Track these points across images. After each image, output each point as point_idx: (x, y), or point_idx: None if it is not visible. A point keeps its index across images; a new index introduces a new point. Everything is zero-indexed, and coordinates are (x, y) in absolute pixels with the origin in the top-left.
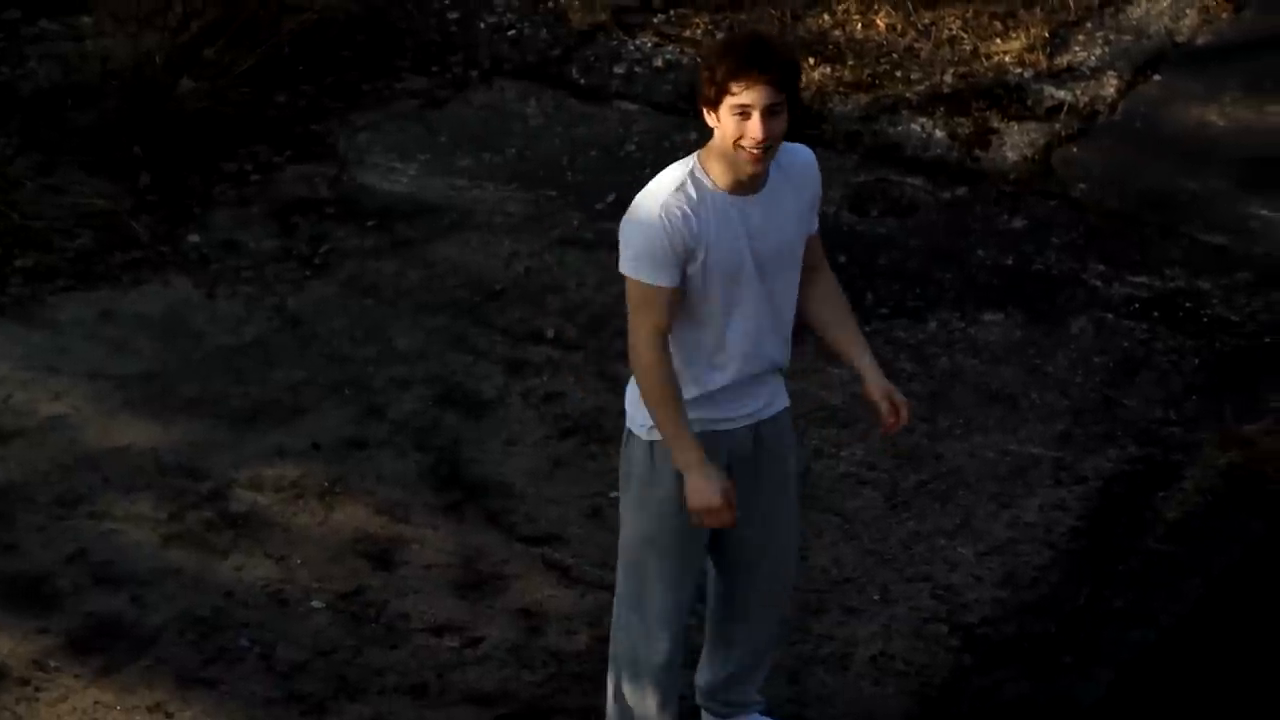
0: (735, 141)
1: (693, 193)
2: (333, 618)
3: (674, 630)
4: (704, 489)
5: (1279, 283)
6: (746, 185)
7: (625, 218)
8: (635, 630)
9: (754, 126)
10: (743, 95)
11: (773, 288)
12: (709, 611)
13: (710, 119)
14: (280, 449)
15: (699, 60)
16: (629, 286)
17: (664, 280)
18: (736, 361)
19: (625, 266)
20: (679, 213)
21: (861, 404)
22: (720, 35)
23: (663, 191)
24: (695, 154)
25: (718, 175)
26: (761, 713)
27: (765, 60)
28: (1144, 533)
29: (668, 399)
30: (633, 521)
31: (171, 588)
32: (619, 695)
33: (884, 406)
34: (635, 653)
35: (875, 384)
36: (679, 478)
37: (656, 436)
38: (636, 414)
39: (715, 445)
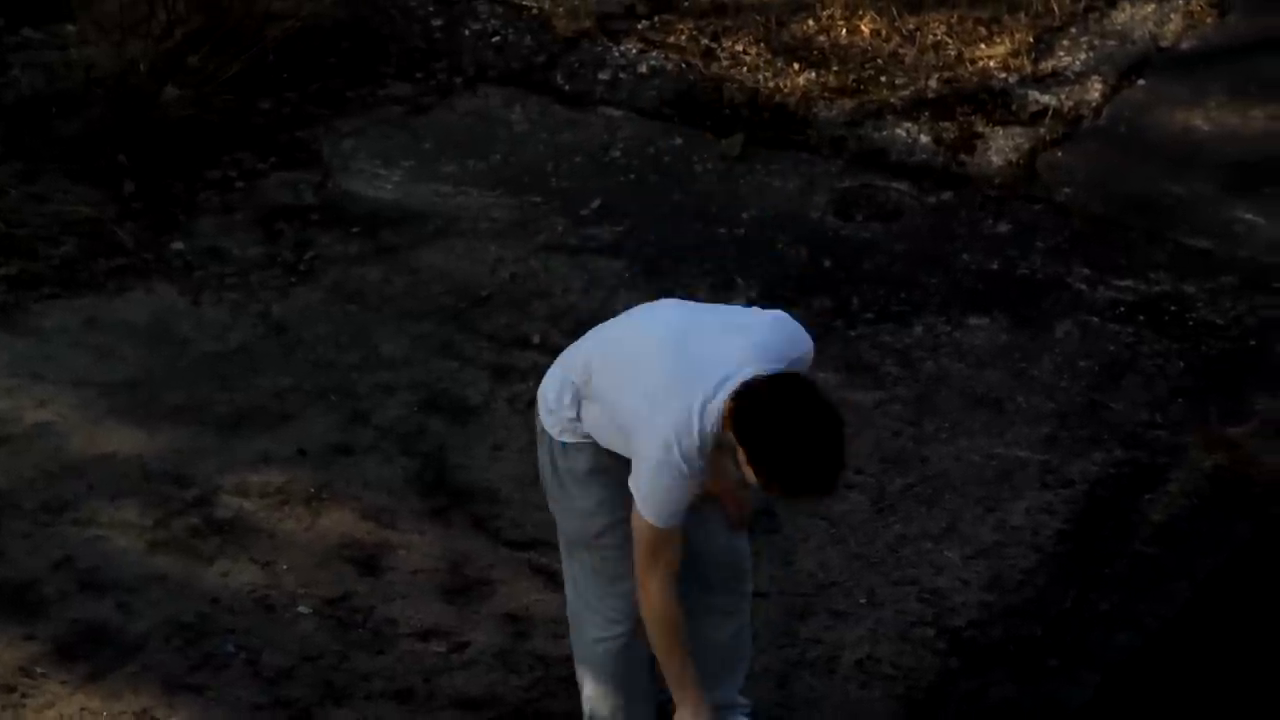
0: (726, 485)
1: (708, 452)
2: (319, 623)
3: (615, 624)
4: None
5: (1264, 286)
6: None
7: (649, 463)
8: (580, 627)
9: (746, 500)
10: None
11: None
12: None
13: (733, 440)
14: (266, 455)
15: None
16: (647, 528)
17: (679, 521)
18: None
19: (646, 511)
20: (694, 475)
21: (847, 408)
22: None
23: (686, 451)
24: (717, 411)
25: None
26: (746, 715)
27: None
28: (1130, 536)
29: (679, 653)
30: (558, 523)
31: (157, 594)
32: (587, 697)
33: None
34: (585, 652)
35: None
36: (591, 464)
37: (566, 438)
38: (551, 422)
39: None
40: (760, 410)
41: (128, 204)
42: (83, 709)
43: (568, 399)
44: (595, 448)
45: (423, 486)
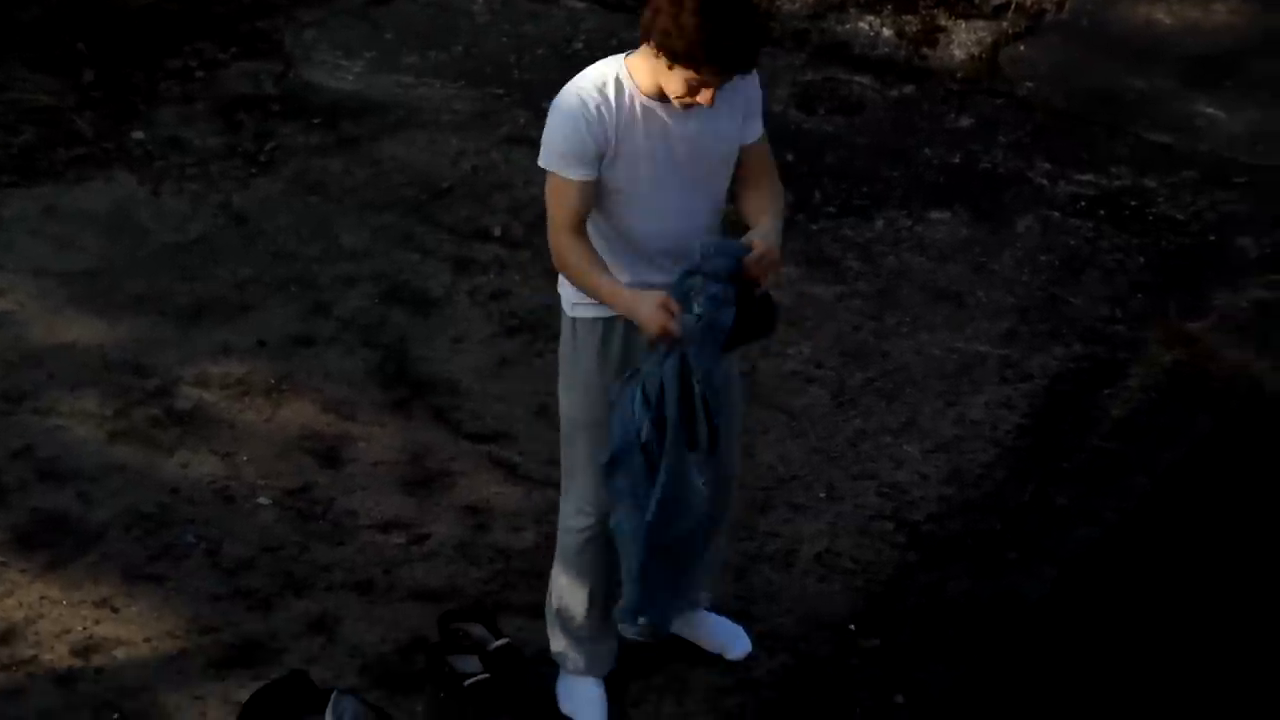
0: (678, 93)
1: (612, 93)
2: (279, 514)
3: (599, 511)
4: (646, 316)
5: (1224, 181)
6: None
7: (549, 114)
8: (566, 510)
9: (705, 96)
10: (712, 80)
11: (696, 192)
12: None
13: (655, 53)
14: (226, 346)
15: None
16: (548, 181)
17: (578, 174)
18: (666, 260)
19: (542, 159)
20: (596, 110)
21: (808, 302)
22: None
23: (583, 88)
24: (622, 56)
25: (643, 81)
26: (706, 609)
27: (749, 59)
28: (1089, 430)
29: (592, 267)
30: (564, 402)
31: (117, 484)
32: (555, 579)
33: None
34: (568, 535)
35: (757, 234)
36: (600, 359)
37: (579, 313)
38: (563, 289)
39: (633, 337)
40: None
41: (87, 93)
42: (42, 597)
43: None
44: (609, 324)
45: (383, 378)
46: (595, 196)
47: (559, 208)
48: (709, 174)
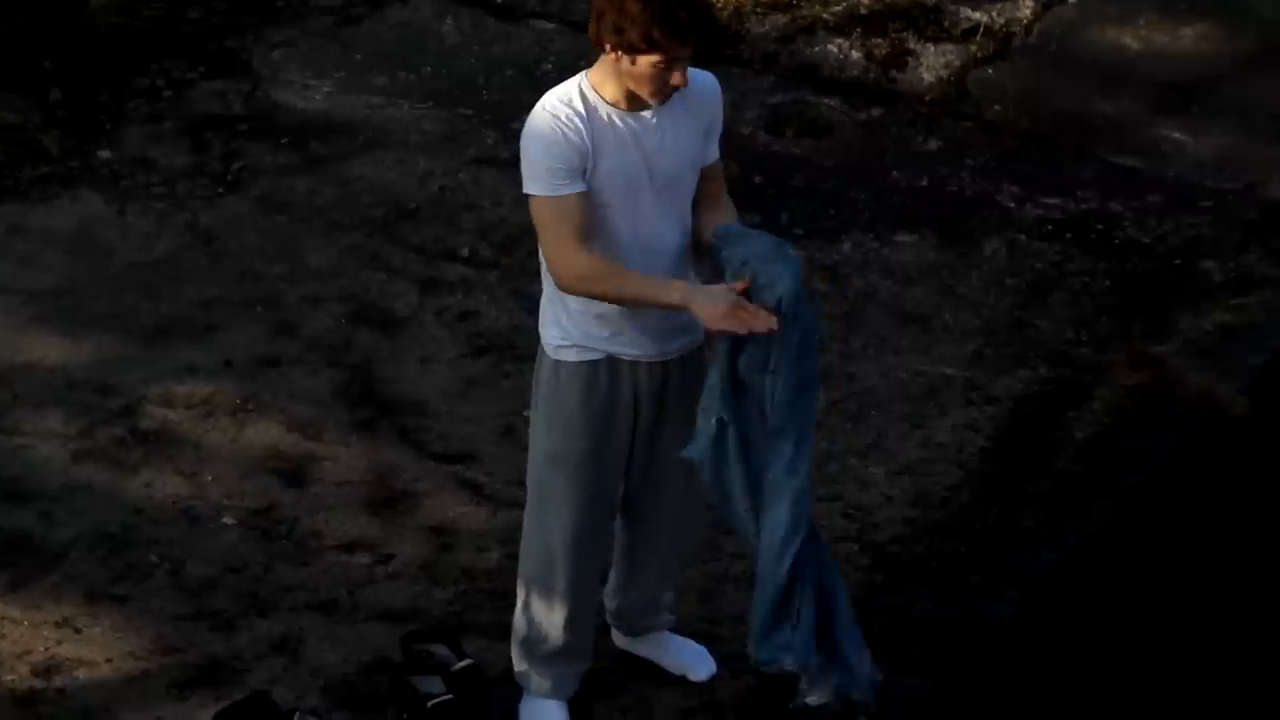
0: (649, 86)
1: (580, 106)
2: (243, 534)
3: (580, 551)
4: (709, 308)
5: (1190, 205)
6: (637, 100)
7: (522, 142)
8: (541, 547)
9: (677, 78)
10: (674, 52)
11: (668, 205)
12: (615, 539)
13: (614, 56)
14: (191, 366)
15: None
16: (538, 206)
17: (571, 188)
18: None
19: (531, 186)
20: (569, 123)
21: None
22: None
23: (550, 106)
24: (583, 74)
25: (606, 90)
26: (671, 630)
27: (704, 22)
28: (1054, 453)
29: (624, 278)
30: (540, 439)
31: (81, 504)
32: (527, 608)
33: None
34: (541, 569)
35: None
36: (583, 398)
37: (563, 356)
38: (545, 330)
39: (618, 377)
40: None
41: (53, 112)
42: (3, 618)
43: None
44: (594, 365)
45: (349, 398)
46: None
47: (562, 227)
48: (678, 183)
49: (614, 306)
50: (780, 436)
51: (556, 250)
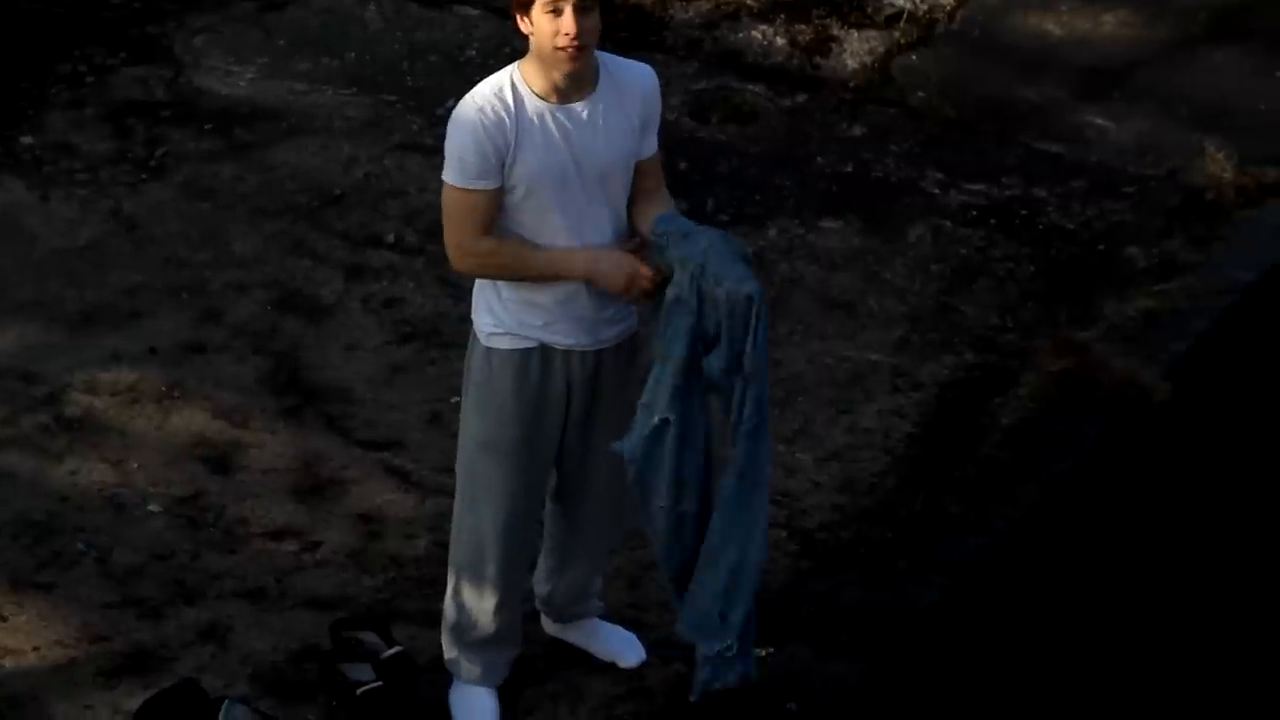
0: (551, 41)
1: (509, 98)
2: (170, 522)
3: (510, 539)
4: (612, 275)
5: (1113, 191)
6: (566, 91)
7: (448, 127)
8: (471, 534)
9: (566, 22)
10: None
11: (602, 201)
12: (545, 527)
13: (524, 25)
14: (116, 353)
15: None
16: (448, 193)
17: (482, 183)
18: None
19: (446, 173)
20: (493, 116)
21: None
22: None
23: (479, 97)
24: (515, 64)
25: (536, 82)
26: (600, 617)
27: None
28: (979, 439)
29: (522, 250)
30: (471, 426)
31: (5, 492)
32: (456, 595)
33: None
34: (471, 556)
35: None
36: (515, 386)
37: (495, 344)
38: (478, 317)
39: (551, 365)
40: None
41: None
42: None
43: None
44: (526, 354)
45: (275, 386)
46: (503, 205)
47: (465, 218)
48: (609, 178)
49: (547, 295)
50: (756, 437)
51: (455, 237)
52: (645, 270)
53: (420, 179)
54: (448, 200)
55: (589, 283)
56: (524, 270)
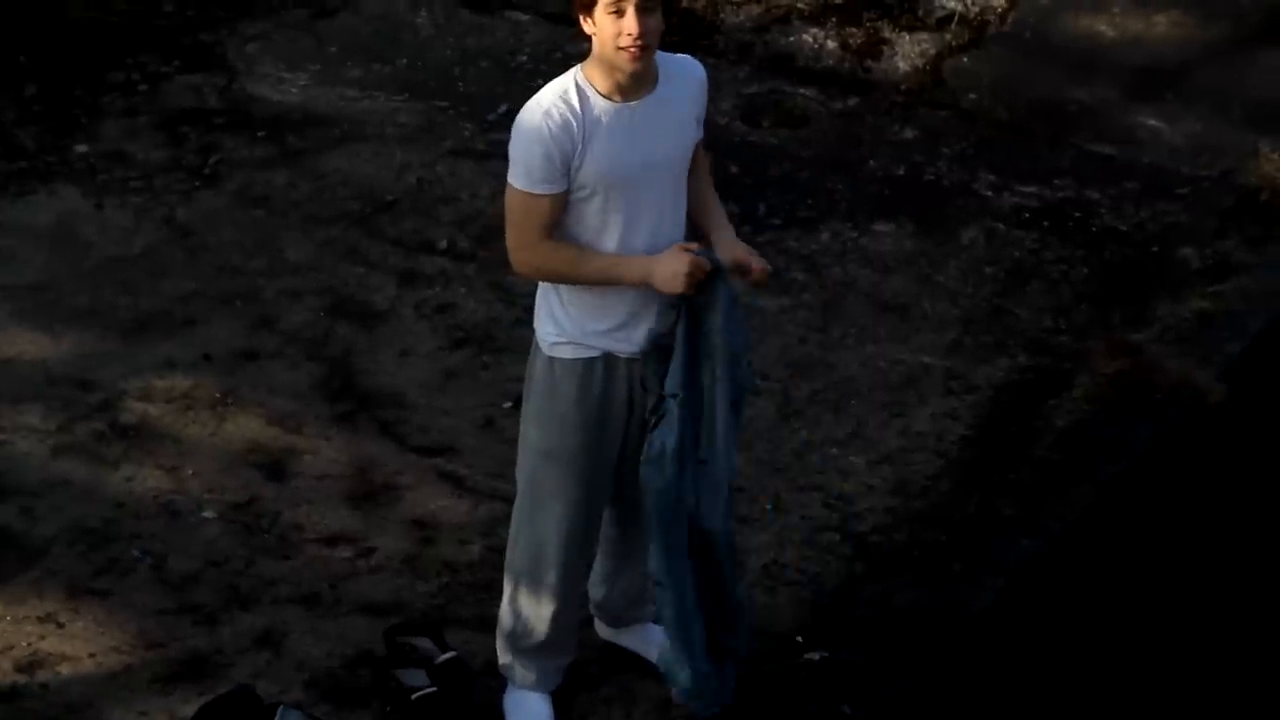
0: (614, 42)
1: (575, 100)
2: (224, 528)
3: (571, 547)
4: (669, 270)
5: (1166, 192)
6: (629, 90)
7: (513, 131)
8: (530, 541)
9: (629, 22)
10: None
11: (665, 195)
12: (601, 531)
13: (587, 26)
14: (171, 360)
15: None
16: (511, 195)
17: (546, 188)
18: None
19: (511, 175)
20: (559, 119)
21: (754, 314)
22: None
23: (544, 100)
24: (578, 65)
25: (600, 82)
26: (655, 622)
27: None
28: (1033, 441)
29: (583, 259)
30: (532, 434)
31: (61, 499)
32: (513, 601)
33: (737, 260)
34: (531, 563)
35: (725, 245)
36: (578, 395)
37: (558, 353)
38: (540, 326)
39: (614, 373)
40: None
41: (29, 107)
42: None
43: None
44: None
45: (329, 392)
46: (570, 206)
47: (528, 222)
48: (673, 172)
49: (613, 302)
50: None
51: (517, 240)
52: (702, 263)
53: (472, 185)
54: (511, 203)
55: (648, 286)
56: (582, 274)
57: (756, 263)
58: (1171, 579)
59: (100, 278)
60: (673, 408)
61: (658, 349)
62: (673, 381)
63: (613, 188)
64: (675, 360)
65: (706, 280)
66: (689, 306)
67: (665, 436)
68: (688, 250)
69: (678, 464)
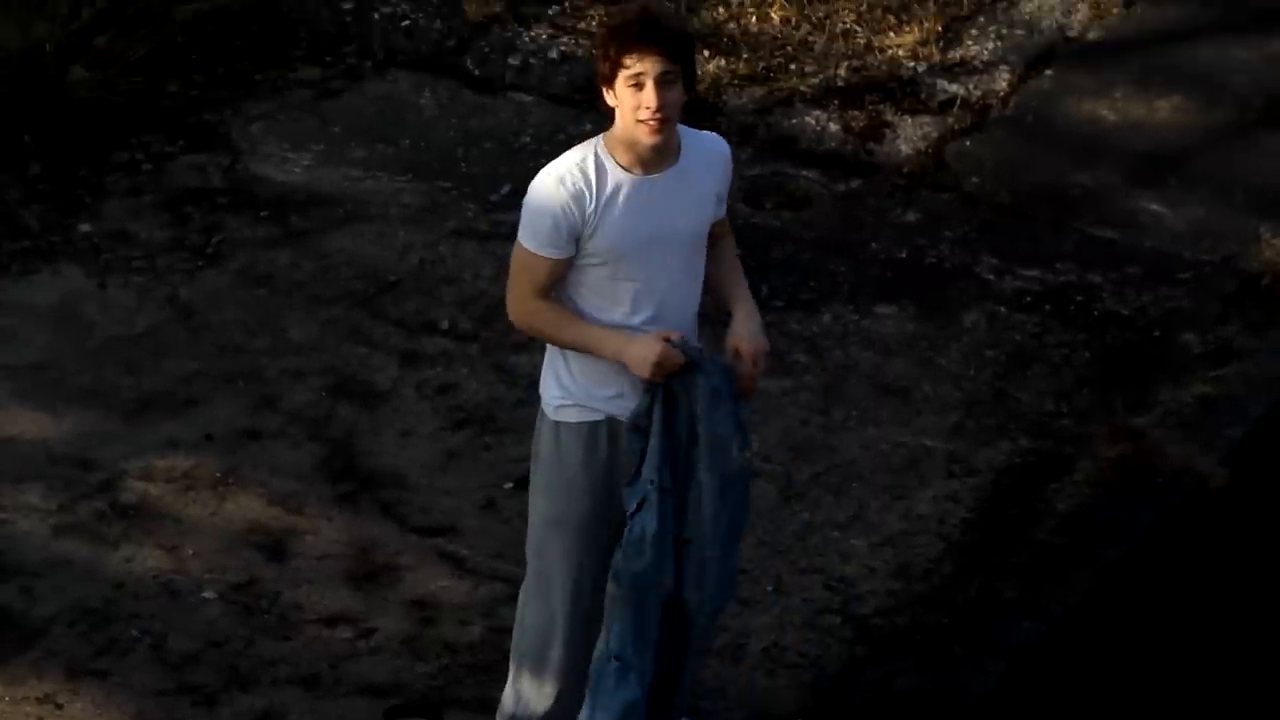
0: (633, 115)
1: (591, 171)
2: (225, 609)
3: (577, 613)
4: (640, 355)
5: (1168, 277)
6: (650, 162)
7: (528, 192)
8: (537, 618)
9: (648, 96)
10: (635, 65)
11: (677, 268)
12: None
13: (609, 98)
14: (172, 440)
15: (594, 44)
16: (516, 250)
17: (547, 251)
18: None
19: (520, 232)
20: (573, 188)
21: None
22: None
23: (562, 167)
24: (600, 135)
25: (620, 154)
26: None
27: (656, 31)
28: (1035, 524)
29: (566, 319)
30: (541, 504)
31: (62, 579)
32: (516, 682)
33: (737, 352)
34: (537, 642)
35: (736, 331)
36: (585, 457)
37: (563, 417)
38: (546, 390)
39: (619, 437)
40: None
41: (33, 186)
42: None
43: None
44: (595, 426)
45: (330, 472)
46: (580, 271)
47: (524, 277)
48: (689, 247)
49: (616, 369)
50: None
51: (513, 290)
52: (674, 355)
53: (475, 265)
54: (515, 256)
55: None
56: (564, 339)
57: (747, 368)
58: (1173, 664)
59: (103, 357)
60: (651, 493)
61: (636, 429)
62: (650, 466)
63: (623, 258)
64: (652, 445)
65: (682, 370)
66: (666, 392)
67: (645, 522)
68: (666, 339)
69: (658, 549)
